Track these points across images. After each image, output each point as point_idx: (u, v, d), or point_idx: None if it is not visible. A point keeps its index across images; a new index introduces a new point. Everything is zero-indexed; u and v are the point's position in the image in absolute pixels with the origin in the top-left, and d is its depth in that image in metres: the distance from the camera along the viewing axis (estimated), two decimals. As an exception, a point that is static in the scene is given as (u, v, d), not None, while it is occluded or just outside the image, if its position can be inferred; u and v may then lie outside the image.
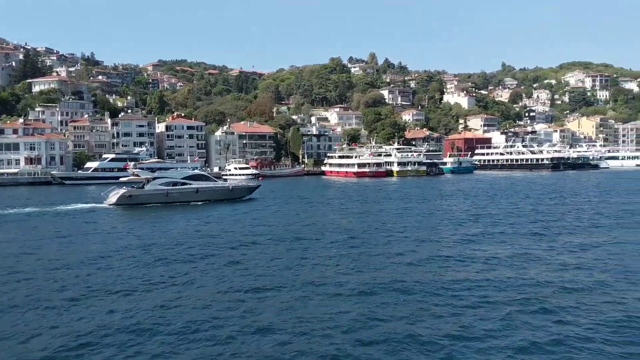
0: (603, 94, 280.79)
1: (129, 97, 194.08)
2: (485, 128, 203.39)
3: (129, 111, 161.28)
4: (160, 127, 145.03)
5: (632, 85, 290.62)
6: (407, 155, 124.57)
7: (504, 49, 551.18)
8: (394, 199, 58.90)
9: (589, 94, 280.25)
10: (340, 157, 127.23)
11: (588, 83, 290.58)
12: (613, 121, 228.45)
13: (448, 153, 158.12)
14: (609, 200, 53.59)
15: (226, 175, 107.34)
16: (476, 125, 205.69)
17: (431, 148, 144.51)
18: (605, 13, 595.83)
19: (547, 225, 35.35)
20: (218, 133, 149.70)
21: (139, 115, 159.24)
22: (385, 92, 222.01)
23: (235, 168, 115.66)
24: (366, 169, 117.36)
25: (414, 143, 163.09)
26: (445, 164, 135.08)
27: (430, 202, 54.74)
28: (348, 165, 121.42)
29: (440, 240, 30.20)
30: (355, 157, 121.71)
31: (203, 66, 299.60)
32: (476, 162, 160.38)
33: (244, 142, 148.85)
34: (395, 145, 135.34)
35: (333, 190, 77.76)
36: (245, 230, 34.89)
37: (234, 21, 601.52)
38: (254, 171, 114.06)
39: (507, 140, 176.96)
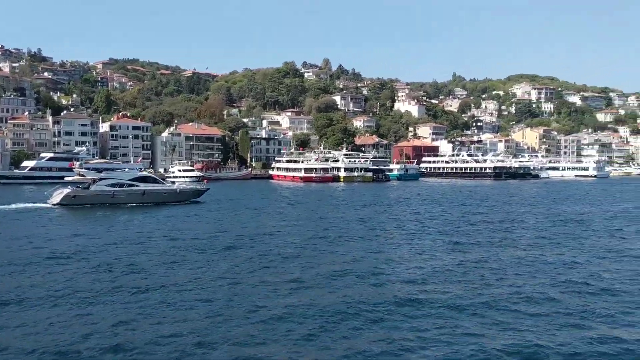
0: (548, 106, 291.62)
1: (74, 95, 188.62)
2: (434, 136, 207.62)
3: (72, 109, 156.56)
4: (104, 127, 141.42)
5: (575, 99, 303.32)
6: (354, 161, 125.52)
7: (455, 60, 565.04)
8: (333, 205, 59.19)
9: (534, 105, 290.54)
10: (287, 161, 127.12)
11: (534, 95, 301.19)
12: (555, 133, 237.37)
13: (395, 160, 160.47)
14: (534, 210, 55.40)
15: (169, 177, 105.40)
16: (425, 133, 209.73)
17: (379, 155, 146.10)
18: (552, 28, 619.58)
19: (459, 234, 36.19)
20: (165, 134, 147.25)
21: (83, 114, 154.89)
22: (337, 98, 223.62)
23: (179, 170, 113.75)
24: (313, 174, 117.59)
25: (363, 149, 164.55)
26: (392, 170, 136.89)
27: (367, 208, 55.24)
28: (295, 169, 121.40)
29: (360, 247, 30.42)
30: (302, 161, 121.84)
31: (155, 66, 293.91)
32: (423, 170, 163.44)
33: (191, 144, 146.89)
34: (344, 151, 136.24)
35: (275, 195, 77.62)
36: (173, 235, 34.26)
37: (191, 22, 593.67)
38: (198, 174, 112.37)
39: (453, 149, 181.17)
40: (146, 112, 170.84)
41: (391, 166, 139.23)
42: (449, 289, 20.06)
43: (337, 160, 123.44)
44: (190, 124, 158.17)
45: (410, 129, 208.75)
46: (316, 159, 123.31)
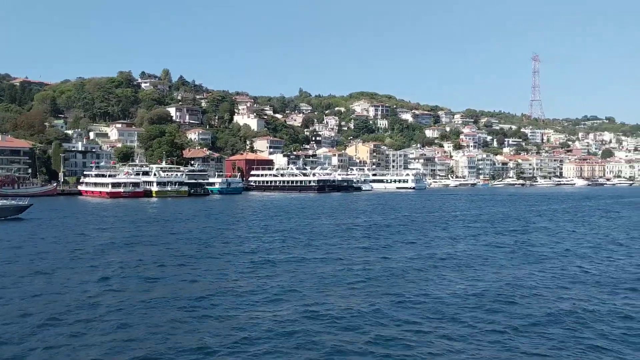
0: (383, 123, 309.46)
1: None
2: (271, 150, 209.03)
3: None
4: None
5: (407, 116, 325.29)
6: (168, 175, 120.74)
7: (301, 76, 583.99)
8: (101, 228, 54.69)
9: (371, 122, 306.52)
10: (96, 175, 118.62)
11: (372, 112, 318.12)
12: (385, 147, 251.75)
13: (228, 174, 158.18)
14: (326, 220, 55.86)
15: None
16: (262, 147, 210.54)
17: (200, 168, 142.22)
18: (391, 48, 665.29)
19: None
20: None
21: None
22: (172, 110, 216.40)
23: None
24: (121, 189, 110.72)
25: (192, 162, 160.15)
26: (213, 184, 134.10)
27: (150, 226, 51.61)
28: (103, 184, 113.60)
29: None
30: (109, 176, 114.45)
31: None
32: (252, 183, 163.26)
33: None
34: (163, 164, 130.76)
35: (60, 213, 70.68)
36: None
37: (31, 26, 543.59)
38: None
39: (288, 163, 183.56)
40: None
41: (212, 180, 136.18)
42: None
43: (147, 174, 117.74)
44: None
45: (248, 142, 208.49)
46: (125, 173, 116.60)
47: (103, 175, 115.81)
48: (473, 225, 50.24)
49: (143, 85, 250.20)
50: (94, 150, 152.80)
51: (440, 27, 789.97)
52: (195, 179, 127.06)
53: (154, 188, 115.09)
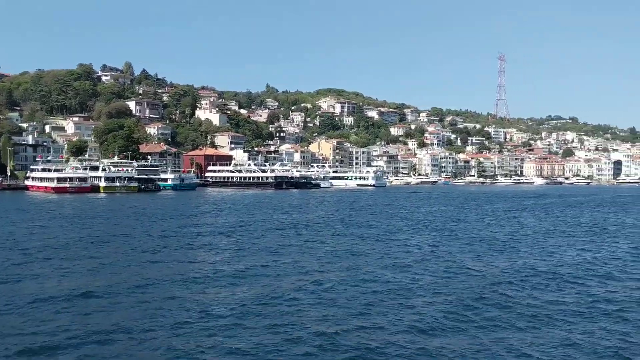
0: (349, 120, 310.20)
1: None
2: (232, 146, 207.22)
3: None
4: None
5: (373, 113, 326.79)
6: (117, 170, 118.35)
7: (269, 72, 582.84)
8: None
9: (337, 118, 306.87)
10: (43, 170, 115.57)
11: (338, 109, 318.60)
12: (349, 144, 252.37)
13: (170, 169, 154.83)
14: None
15: None
16: (224, 142, 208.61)
17: (152, 163, 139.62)
18: (360, 45, 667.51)
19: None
20: None
21: None
22: (132, 104, 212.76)
23: None
24: (67, 184, 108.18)
25: (148, 158, 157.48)
26: (166, 180, 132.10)
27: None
28: (49, 179, 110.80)
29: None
30: (55, 170, 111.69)
31: None
32: (208, 179, 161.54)
33: None
34: (115, 159, 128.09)
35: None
36: None
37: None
38: None
39: (249, 159, 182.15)
40: None
41: (165, 175, 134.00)
42: None
43: (97, 169, 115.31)
44: None
45: (209, 137, 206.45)
46: (72, 168, 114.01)
47: (49, 170, 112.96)
48: (404, 224, 50.32)
49: (104, 78, 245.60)
50: (45, 143, 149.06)
51: (411, 25, 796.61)
52: (146, 175, 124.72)
53: (102, 183, 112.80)
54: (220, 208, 70.79)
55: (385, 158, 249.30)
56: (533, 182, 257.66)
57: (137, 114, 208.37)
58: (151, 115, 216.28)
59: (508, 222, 53.25)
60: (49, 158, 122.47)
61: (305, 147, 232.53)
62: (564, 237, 40.38)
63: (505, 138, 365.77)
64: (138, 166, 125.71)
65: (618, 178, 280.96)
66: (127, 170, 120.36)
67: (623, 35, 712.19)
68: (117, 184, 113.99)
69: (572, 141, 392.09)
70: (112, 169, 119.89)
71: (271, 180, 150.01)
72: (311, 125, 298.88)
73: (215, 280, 23.48)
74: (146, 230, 42.50)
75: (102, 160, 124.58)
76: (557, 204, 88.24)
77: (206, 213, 62.04)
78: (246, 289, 21.78)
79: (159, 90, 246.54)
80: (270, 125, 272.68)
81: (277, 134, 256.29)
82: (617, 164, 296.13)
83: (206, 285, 22.38)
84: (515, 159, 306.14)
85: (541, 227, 48.79)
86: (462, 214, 64.01)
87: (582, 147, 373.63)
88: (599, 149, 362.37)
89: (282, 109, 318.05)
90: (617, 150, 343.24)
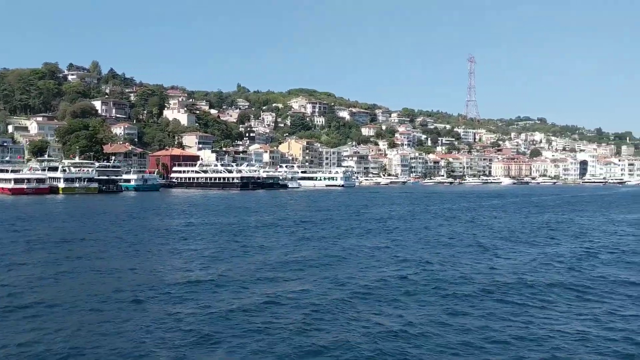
0: (320, 120, 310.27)
1: None
2: (200, 146, 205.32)
3: None
4: None
5: (344, 114, 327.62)
6: (77, 171, 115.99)
7: (240, 72, 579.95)
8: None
9: (308, 119, 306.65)
10: (0, 170, 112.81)
11: (309, 109, 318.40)
12: (319, 144, 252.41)
13: (133, 170, 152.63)
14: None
15: None
16: (191, 142, 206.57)
17: (114, 164, 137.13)
18: (332, 45, 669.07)
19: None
20: None
21: None
22: (98, 103, 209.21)
23: None
24: (24, 185, 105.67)
25: (112, 158, 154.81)
26: (128, 181, 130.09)
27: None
28: (5, 180, 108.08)
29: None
30: (12, 171, 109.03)
31: None
32: (174, 180, 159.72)
33: None
34: (76, 160, 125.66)
35: None
36: None
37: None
38: None
39: (217, 159, 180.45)
40: None
41: (127, 176, 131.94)
42: None
43: (56, 170, 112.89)
44: None
45: (176, 138, 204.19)
46: (29, 168, 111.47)
47: (6, 171, 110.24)
48: (355, 225, 50.28)
49: (70, 77, 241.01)
50: (5, 144, 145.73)
51: (383, 26, 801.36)
52: (107, 175, 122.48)
53: (61, 184, 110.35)
54: (176, 210, 69.90)
55: (355, 158, 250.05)
56: (500, 182, 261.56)
57: (103, 114, 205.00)
58: (117, 115, 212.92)
59: (450, 222, 53.76)
60: (7, 158, 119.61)
61: (275, 148, 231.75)
62: (504, 240, 40.79)
63: (475, 139, 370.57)
64: (99, 167, 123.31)
65: (584, 178, 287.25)
66: (88, 171, 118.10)
67: (591, 36, 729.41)
68: (77, 185, 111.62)
69: (540, 142, 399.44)
70: (73, 169, 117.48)
71: (237, 181, 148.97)
72: (282, 125, 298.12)
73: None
74: (90, 233, 41.62)
75: (63, 161, 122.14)
76: (514, 204, 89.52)
77: (160, 215, 61.14)
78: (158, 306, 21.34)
79: (127, 90, 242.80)
80: (241, 126, 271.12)
81: (247, 134, 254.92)
82: (583, 164, 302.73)
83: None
84: (484, 159, 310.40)
85: (491, 225, 49.36)
86: (424, 214, 64.41)
87: (549, 147, 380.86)
88: (567, 149, 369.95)
89: (253, 109, 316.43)
90: (583, 150, 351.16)
